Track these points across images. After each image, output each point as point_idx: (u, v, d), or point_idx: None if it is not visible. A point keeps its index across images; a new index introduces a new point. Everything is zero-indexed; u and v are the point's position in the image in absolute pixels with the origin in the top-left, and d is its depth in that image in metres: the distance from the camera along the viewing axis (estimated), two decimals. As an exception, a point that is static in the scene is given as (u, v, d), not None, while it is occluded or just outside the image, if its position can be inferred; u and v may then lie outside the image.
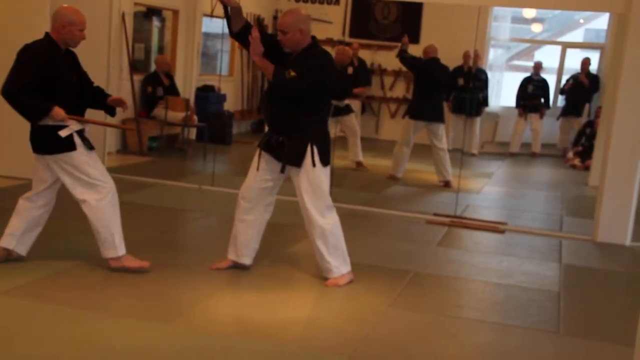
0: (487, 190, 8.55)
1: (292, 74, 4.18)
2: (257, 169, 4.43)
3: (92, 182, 4.22)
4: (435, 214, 6.73)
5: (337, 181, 7.72)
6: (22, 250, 4.36)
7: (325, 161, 4.37)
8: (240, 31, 4.38)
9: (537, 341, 3.89)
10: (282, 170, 4.37)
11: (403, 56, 8.18)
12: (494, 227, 6.42)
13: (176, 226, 5.80)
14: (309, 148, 4.30)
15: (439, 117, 8.20)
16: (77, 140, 4.20)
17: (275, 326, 3.77)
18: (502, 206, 7.85)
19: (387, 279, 4.69)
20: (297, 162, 4.31)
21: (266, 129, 4.67)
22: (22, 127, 4.42)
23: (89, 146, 4.26)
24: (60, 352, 3.27)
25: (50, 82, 4.14)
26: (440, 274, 4.97)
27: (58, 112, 4.08)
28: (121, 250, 4.33)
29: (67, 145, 4.17)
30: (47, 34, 4.28)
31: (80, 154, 4.19)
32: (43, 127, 4.15)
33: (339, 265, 4.46)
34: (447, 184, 8.19)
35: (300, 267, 4.82)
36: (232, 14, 4.36)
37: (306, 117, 4.31)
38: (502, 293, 4.67)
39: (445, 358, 3.58)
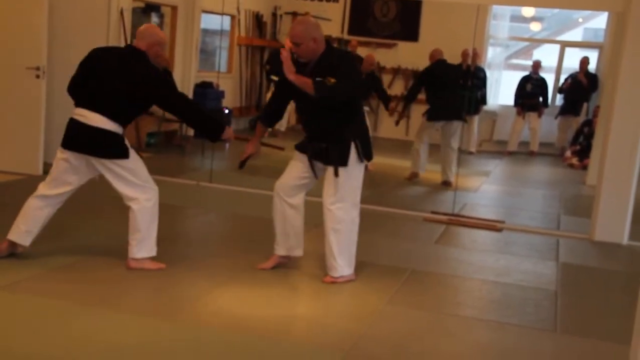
0: (484, 188, 8.56)
1: (332, 80, 4.15)
2: (316, 176, 4.51)
3: (143, 184, 4.35)
4: (433, 212, 6.74)
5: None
6: (27, 242, 4.38)
7: (367, 156, 4.45)
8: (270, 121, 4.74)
9: (534, 339, 3.90)
10: (336, 174, 4.35)
11: (408, 96, 8.46)
12: (491, 226, 6.43)
13: (175, 223, 5.80)
14: (352, 146, 4.33)
15: (457, 115, 8.24)
16: (128, 145, 4.33)
17: (274, 323, 3.78)
18: (500, 204, 7.86)
19: (385, 277, 4.70)
20: (344, 162, 4.34)
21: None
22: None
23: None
24: (59, 347, 3.27)
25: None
26: (438, 271, 4.98)
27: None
28: (154, 251, 4.43)
29: (125, 150, 4.28)
30: (143, 51, 4.33)
31: (133, 159, 4.32)
32: (107, 132, 4.21)
33: (344, 265, 4.47)
34: (447, 184, 8.21)
35: (300, 264, 4.82)
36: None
37: (347, 120, 4.35)
38: (500, 291, 4.68)
39: (443, 356, 3.59)
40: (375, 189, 7.85)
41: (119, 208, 6.08)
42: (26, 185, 4.44)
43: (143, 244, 4.36)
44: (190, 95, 9.85)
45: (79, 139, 4.25)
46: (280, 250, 4.62)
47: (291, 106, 4.82)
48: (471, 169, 9.52)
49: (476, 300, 4.52)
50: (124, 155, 4.28)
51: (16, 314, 3.63)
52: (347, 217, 4.42)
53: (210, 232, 5.75)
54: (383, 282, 4.58)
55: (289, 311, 4.01)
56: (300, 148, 4.52)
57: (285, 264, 4.68)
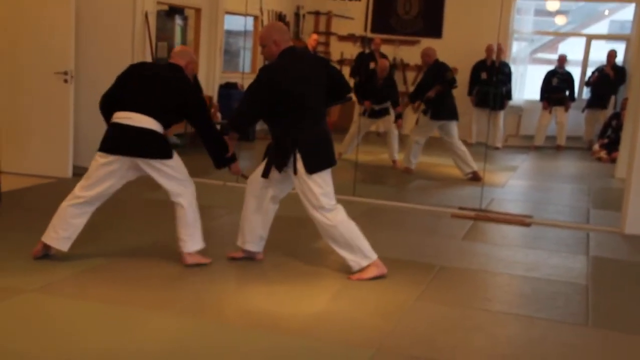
0: (511, 183, 8.50)
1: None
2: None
3: (186, 179, 4.53)
4: (460, 208, 6.71)
5: (362, 176, 7.72)
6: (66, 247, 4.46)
7: (315, 167, 4.38)
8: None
9: (565, 333, 3.87)
10: (296, 172, 4.41)
11: (413, 96, 8.59)
12: (519, 221, 6.38)
13: (203, 223, 5.82)
14: (291, 155, 4.36)
15: (454, 116, 8.29)
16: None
17: (302, 320, 3.79)
18: (528, 199, 7.80)
19: (413, 273, 4.69)
20: (280, 168, 4.43)
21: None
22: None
23: None
24: (90, 347, 3.32)
25: None
26: (466, 267, 4.96)
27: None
28: (203, 243, 4.61)
29: (171, 149, 4.47)
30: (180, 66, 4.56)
31: (175, 157, 4.48)
32: (154, 132, 4.34)
33: (357, 259, 4.48)
34: (475, 176, 8.14)
35: (325, 261, 4.83)
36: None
37: (278, 127, 4.45)
38: (529, 286, 4.65)
39: (473, 351, 3.57)
40: (401, 185, 7.84)
41: (148, 208, 6.15)
42: (56, 189, 4.50)
43: (193, 238, 4.54)
44: (215, 96, 9.92)
45: (126, 141, 4.31)
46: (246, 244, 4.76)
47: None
48: (498, 164, 9.45)
49: (506, 295, 4.50)
50: (170, 154, 4.42)
51: (50, 316, 3.68)
52: (330, 222, 4.43)
53: (235, 231, 5.76)
54: (412, 279, 4.57)
55: (318, 308, 4.02)
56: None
57: (308, 262, 4.68)
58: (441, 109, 8.27)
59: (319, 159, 4.41)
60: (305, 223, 5.38)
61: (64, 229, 4.36)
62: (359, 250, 4.49)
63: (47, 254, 4.42)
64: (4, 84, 6.96)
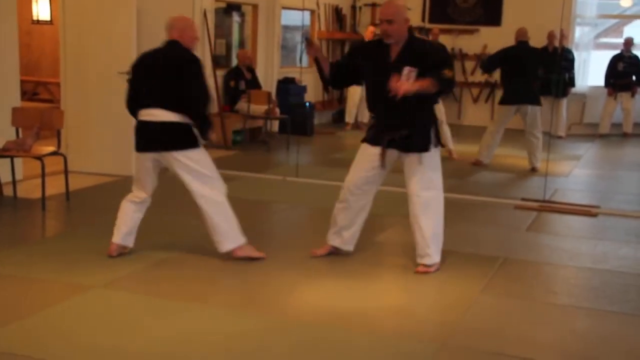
0: (576, 173, 8.30)
1: (449, 73, 4.21)
2: (382, 165, 4.39)
3: (211, 176, 4.42)
4: (524, 199, 6.58)
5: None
6: (131, 242, 4.57)
7: (440, 141, 4.45)
8: (331, 76, 4.54)
9: (637, 328, 3.75)
10: (420, 160, 4.33)
11: (484, 67, 8.37)
12: (585, 211, 6.22)
13: (264, 217, 5.89)
14: (432, 131, 4.34)
15: (533, 99, 8.01)
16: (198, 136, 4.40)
17: (366, 315, 3.78)
18: (593, 189, 7.60)
19: (477, 266, 4.62)
20: (427, 147, 4.33)
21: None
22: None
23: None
24: (152, 343, 3.38)
25: None
26: (531, 259, 4.86)
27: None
28: (242, 238, 4.51)
29: (195, 139, 4.35)
30: (178, 42, 4.43)
31: (202, 150, 4.40)
32: (176, 123, 4.30)
33: (435, 253, 4.43)
34: (534, 170, 8.01)
35: (388, 255, 4.81)
36: (321, 63, 4.50)
37: (426, 107, 4.36)
38: (598, 278, 4.53)
39: (540, 345, 3.50)
40: (462, 177, 7.74)
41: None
42: (120, 187, 4.60)
43: (229, 236, 4.45)
44: (274, 91, 9.97)
45: (146, 137, 4.36)
46: (335, 241, 4.64)
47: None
48: (561, 153, 9.24)
49: (573, 288, 4.39)
50: (192, 144, 4.33)
51: (115, 311, 3.76)
52: (436, 203, 4.39)
53: (297, 226, 5.80)
54: (475, 271, 4.50)
55: (379, 303, 4.00)
56: (372, 140, 4.43)
57: (371, 254, 4.66)
58: (507, 93, 8.16)
59: (439, 134, 4.50)
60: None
61: (125, 225, 4.49)
62: (439, 244, 4.46)
63: (122, 253, 4.52)
64: (71, 85, 7.14)
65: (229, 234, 4.46)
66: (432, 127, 4.37)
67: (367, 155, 4.44)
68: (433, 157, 4.37)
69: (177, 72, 4.32)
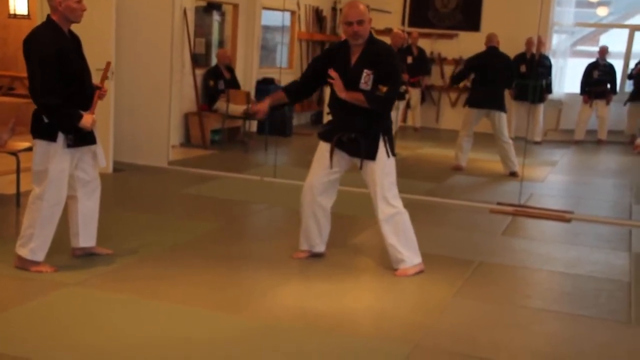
0: (551, 178, 8.39)
1: (383, 89, 4.25)
2: (330, 165, 4.44)
3: (42, 174, 4.10)
4: (499, 203, 6.63)
5: (399, 171, 7.67)
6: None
7: (393, 151, 4.44)
8: (291, 100, 4.69)
9: (607, 331, 3.81)
10: (361, 167, 4.40)
11: (455, 79, 8.46)
12: (559, 216, 6.29)
13: (241, 218, 5.88)
14: (381, 141, 4.35)
15: (498, 105, 8.08)
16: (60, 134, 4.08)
17: (341, 316, 3.79)
18: (568, 195, 7.69)
19: (453, 269, 4.65)
20: (373, 155, 4.36)
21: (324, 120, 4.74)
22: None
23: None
24: (127, 342, 3.36)
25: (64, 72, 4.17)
26: (505, 263, 4.91)
27: (86, 119, 4.09)
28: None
29: (50, 133, 4.06)
30: (48, 17, 4.20)
31: (43, 145, 4.07)
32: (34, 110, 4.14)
33: (411, 255, 4.47)
34: (513, 174, 8.07)
35: (364, 257, 4.83)
36: (275, 103, 4.61)
37: (378, 115, 4.37)
38: (570, 283, 4.58)
39: (513, 348, 3.54)
40: (439, 181, 7.79)
41: (188, 202, 6.20)
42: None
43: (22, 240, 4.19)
44: (253, 91, 9.96)
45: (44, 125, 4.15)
46: (303, 245, 4.66)
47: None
48: (537, 159, 9.33)
49: (546, 292, 4.44)
50: (44, 135, 4.06)
51: (88, 309, 3.74)
52: (395, 209, 4.42)
53: (275, 227, 5.80)
54: (451, 275, 4.54)
55: (356, 304, 4.02)
56: (324, 136, 4.52)
57: (328, 256, 4.68)
58: (476, 97, 8.23)
59: (393, 144, 4.49)
60: (339, 220, 5.38)
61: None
62: (414, 246, 4.49)
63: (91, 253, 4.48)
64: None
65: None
66: (385, 136, 4.37)
67: (323, 155, 4.51)
68: (385, 165, 4.38)
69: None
